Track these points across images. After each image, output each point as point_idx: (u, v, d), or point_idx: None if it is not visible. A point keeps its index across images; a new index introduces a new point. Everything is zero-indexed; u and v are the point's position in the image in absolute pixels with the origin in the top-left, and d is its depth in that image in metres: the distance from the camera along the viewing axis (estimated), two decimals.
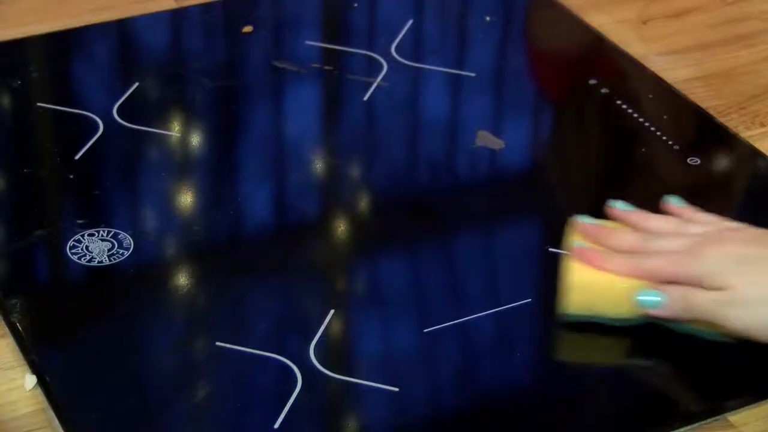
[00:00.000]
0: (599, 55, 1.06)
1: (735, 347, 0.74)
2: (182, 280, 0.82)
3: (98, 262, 0.82)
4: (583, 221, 0.79)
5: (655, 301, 0.74)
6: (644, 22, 1.10)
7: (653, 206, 0.89)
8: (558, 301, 0.77)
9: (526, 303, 0.79)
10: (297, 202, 0.90)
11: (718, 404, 0.73)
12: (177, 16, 1.09)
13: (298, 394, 0.73)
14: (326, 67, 1.02)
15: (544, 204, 0.90)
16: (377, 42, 1.06)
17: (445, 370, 0.75)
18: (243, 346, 0.76)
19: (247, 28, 1.06)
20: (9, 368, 0.75)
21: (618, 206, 0.81)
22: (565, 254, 0.78)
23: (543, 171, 0.94)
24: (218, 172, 0.91)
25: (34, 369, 0.74)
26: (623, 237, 0.78)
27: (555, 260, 0.83)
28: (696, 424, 0.72)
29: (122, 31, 1.07)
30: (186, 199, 0.89)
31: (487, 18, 1.09)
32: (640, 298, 0.75)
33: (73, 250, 0.82)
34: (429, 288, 0.81)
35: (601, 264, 0.76)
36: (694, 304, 0.74)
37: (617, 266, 0.76)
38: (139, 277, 0.81)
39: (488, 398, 0.73)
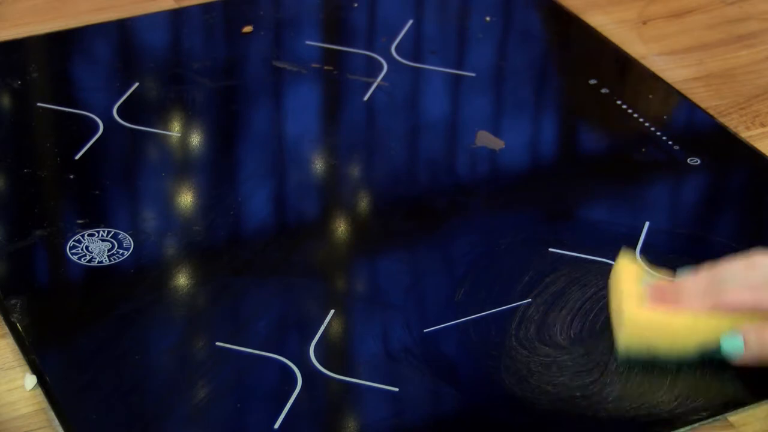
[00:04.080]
0: (599, 55, 1.06)
1: None
2: (182, 280, 0.82)
3: (98, 262, 0.82)
4: (646, 280, 0.77)
5: (736, 345, 0.73)
6: (644, 22, 1.10)
7: (653, 207, 0.89)
8: (614, 342, 0.76)
9: (526, 303, 0.79)
10: (297, 202, 0.90)
11: (718, 404, 0.73)
12: (177, 16, 1.09)
13: (298, 394, 0.73)
14: (326, 67, 1.02)
15: (544, 204, 0.90)
16: (377, 42, 1.06)
17: (444, 371, 0.75)
18: (243, 346, 0.76)
19: (247, 28, 1.06)
20: (9, 368, 0.75)
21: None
22: (613, 294, 0.77)
23: (543, 171, 0.94)
24: (218, 172, 0.91)
25: (34, 369, 0.74)
26: (694, 279, 0.76)
27: (555, 261, 0.83)
28: (696, 425, 0.72)
29: (122, 31, 1.07)
30: (186, 199, 0.89)
31: (487, 18, 1.09)
32: (723, 345, 0.74)
33: (73, 250, 0.82)
34: (429, 288, 0.81)
35: (677, 300, 0.74)
36: None
37: (694, 302, 0.74)
38: (139, 277, 0.81)
39: (488, 398, 0.73)
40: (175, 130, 0.95)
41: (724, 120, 0.98)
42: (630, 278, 0.76)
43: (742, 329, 0.73)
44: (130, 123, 0.95)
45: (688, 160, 0.93)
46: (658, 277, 0.78)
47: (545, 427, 0.72)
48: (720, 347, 0.74)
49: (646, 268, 0.79)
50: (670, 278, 0.77)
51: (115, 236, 0.84)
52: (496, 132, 0.95)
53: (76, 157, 0.91)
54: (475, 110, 0.98)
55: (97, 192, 0.89)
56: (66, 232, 0.84)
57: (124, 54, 1.06)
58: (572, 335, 0.77)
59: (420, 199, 0.90)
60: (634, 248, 0.84)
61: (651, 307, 0.74)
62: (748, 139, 0.96)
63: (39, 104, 0.97)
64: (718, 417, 0.73)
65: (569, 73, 1.04)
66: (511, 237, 0.85)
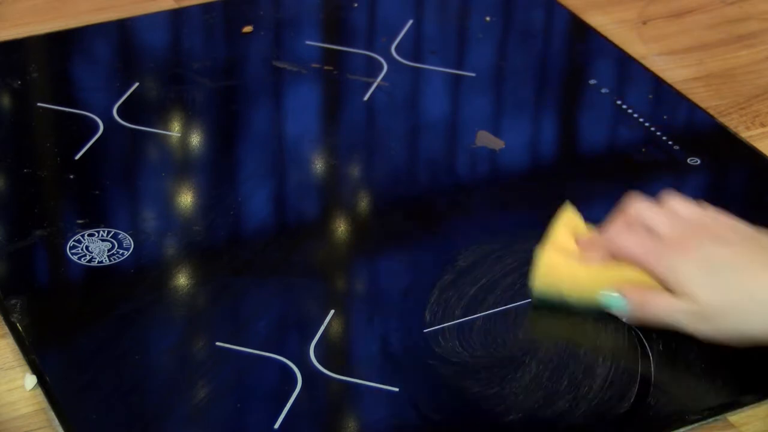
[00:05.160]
0: (599, 55, 1.06)
1: (735, 348, 0.74)
2: (182, 280, 0.82)
3: (98, 262, 0.82)
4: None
5: (618, 304, 0.75)
6: (644, 22, 1.10)
7: None
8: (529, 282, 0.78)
9: (526, 303, 0.79)
10: (297, 202, 0.90)
11: (718, 404, 0.73)
12: (177, 16, 1.09)
13: (298, 394, 0.73)
14: (326, 67, 1.02)
15: (544, 204, 0.90)
16: (377, 42, 1.06)
17: (444, 371, 0.75)
18: (243, 346, 0.76)
19: (247, 28, 1.06)
20: (9, 368, 0.75)
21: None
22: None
23: (543, 171, 0.94)
24: (218, 172, 0.91)
25: (34, 369, 0.74)
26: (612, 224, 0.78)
27: None
28: (696, 424, 0.72)
29: (122, 31, 1.07)
30: (186, 199, 0.89)
31: (487, 18, 1.09)
32: (604, 297, 0.75)
33: (73, 250, 0.82)
34: (429, 288, 0.81)
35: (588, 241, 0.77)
36: (656, 312, 0.74)
37: (595, 247, 0.77)
38: (139, 277, 0.81)
39: (488, 398, 0.73)
40: (175, 130, 0.95)
41: (724, 120, 0.98)
42: (564, 228, 0.79)
43: (624, 289, 0.75)
44: (130, 123, 0.95)
45: (688, 160, 0.93)
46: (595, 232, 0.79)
47: (546, 426, 0.72)
48: (601, 298, 0.76)
49: (586, 223, 0.80)
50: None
51: (115, 236, 0.84)
52: (496, 132, 0.95)
53: (76, 157, 0.91)
54: (475, 110, 0.98)
55: (97, 192, 0.89)
56: (66, 232, 0.84)
57: (124, 54, 1.06)
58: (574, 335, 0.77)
59: (420, 199, 0.90)
60: None
61: (568, 255, 0.77)
62: (748, 139, 0.96)
63: (39, 104, 0.97)
64: (718, 417, 0.73)
65: (569, 73, 1.04)
66: (511, 237, 0.85)
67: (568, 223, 0.80)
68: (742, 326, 0.72)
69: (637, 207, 0.78)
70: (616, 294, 0.76)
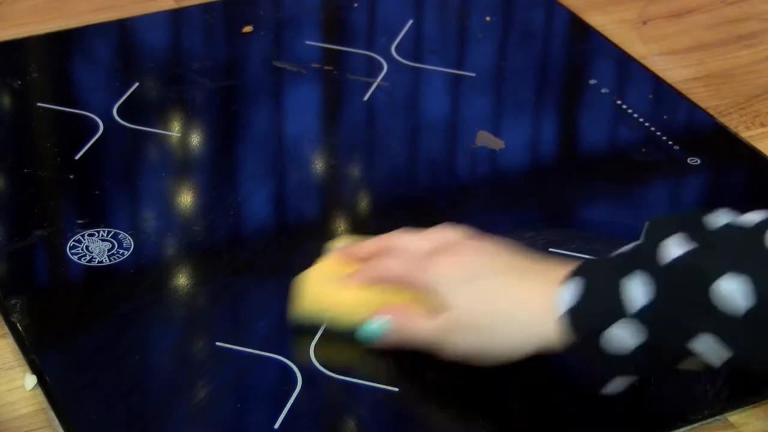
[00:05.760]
0: (599, 55, 1.06)
1: None
2: (182, 280, 0.82)
3: (98, 262, 0.82)
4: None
5: (378, 327, 0.73)
6: (644, 22, 1.10)
7: (653, 207, 0.89)
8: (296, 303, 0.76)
9: None
10: (297, 202, 0.90)
11: (718, 404, 0.73)
12: (177, 16, 1.09)
13: (298, 394, 0.72)
14: (326, 67, 1.02)
15: (544, 204, 0.90)
16: (377, 42, 1.06)
17: (444, 371, 0.75)
18: (243, 346, 0.76)
19: (247, 28, 1.06)
20: (9, 368, 0.75)
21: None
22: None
23: (543, 171, 0.94)
24: (218, 172, 0.91)
25: (34, 369, 0.74)
26: (366, 246, 0.76)
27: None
28: (696, 424, 0.72)
29: (122, 31, 1.07)
30: (186, 199, 0.89)
31: (487, 18, 1.09)
32: (360, 332, 0.73)
33: (73, 250, 0.82)
34: None
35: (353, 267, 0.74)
36: (416, 328, 0.71)
37: (359, 274, 0.74)
38: (139, 277, 0.81)
39: (487, 398, 0.73)
40: (175, 130, 0.95)
41: (724, 120, 0.98)
42: (330, 259, 0.77)
43: (385, 310, 0.72)
44: (130, 123, 0.95)
45: (688, 160, 0.93)
46: (347, 243, 0.77)
47: (546, 426, 0.72)
48: (359, 332, 0.73)
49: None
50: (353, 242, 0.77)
51: (115, 236, 0.84)
52: (496, 132, 0.95)
53: (76, 157, 0.91)
54: (475, 110, 0.98)
55: (97, 192, 0.89)
56: (66, 232, 0.84)
57: (124, 54, 1.06)
58: None
59: (420, 199, 0.90)
60: None
61: (325, 280, 0.75)
62: (748, 139, 0.96)
63: (39, 104, 0.97)
64: (718, 417, 0.73)
65: (569, 73, 1.04)
66: (511, 237, 0.85)
67: (335, 255, 0.77)
68: (500, 339, 0.69)
69: (396, 235, 0.76)
70: (376, 318, 0.73)
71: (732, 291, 0.62)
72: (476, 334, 0.70)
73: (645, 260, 0.66)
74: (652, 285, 0.65)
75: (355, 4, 1.10)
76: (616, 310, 0.65)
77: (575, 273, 0.68)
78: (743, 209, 0.89)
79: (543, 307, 0.68)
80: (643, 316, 0.65)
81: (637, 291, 0.65)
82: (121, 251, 0.83)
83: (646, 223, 0.68)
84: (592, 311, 0.66)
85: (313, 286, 0.76)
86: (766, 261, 0.63)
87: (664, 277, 0.64)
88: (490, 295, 0.70)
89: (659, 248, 0.66)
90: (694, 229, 0.66)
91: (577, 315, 0.66)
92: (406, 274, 0.72)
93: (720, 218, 0.66)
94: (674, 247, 0.65)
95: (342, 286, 0.75)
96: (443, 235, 0.74)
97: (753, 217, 0.66)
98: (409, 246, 0.74)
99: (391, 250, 0.74)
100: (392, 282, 0.73)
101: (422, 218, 0.87)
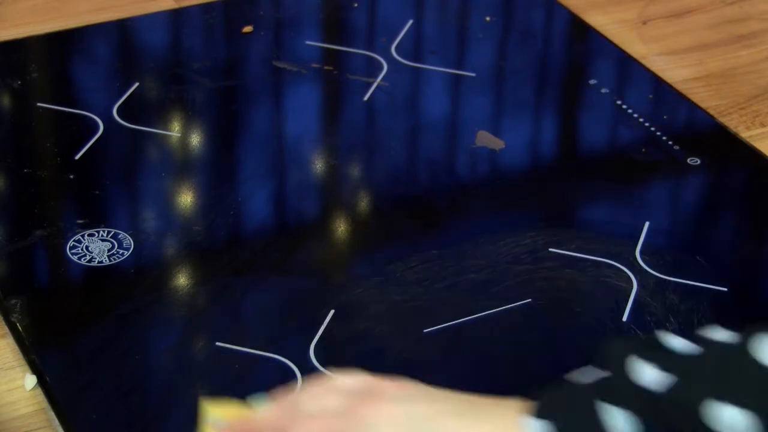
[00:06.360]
0: (599, 55, 1.06)
1: None
2: (182, 280, 0.82)
3: (98, 262, 0.82)
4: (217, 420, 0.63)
5: None
6: (644, 22, 1.10)
7: (653, 207, 0.89)
8: None
9: (526, 303, 0.79)
10: (297, 202, 0.90)
11: None
12: (177, 16, 1.09)
13: None
14: (326, 67, 1.02)
15: (544, 204, 0.90)
16: (377, 42, 1.06)
17: (444, 371, 0.75)
18: (243, 346, 0.76)
19: (247, 28, 1.06)
20: (9, 368, 0.75)
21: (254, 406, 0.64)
22: None
23: (543, 171, 0.94)
24: (218, 172, 0.91)
25: (34, 369, 0.74)
26: (267, 413, 0.63)
27: (555, 260, 0.83)
28: None
29: (122, 31, 1.07)
30: (186, 199, 0.89)
31: (487, 18, 1.09)
32: None
33: (73, 250, 0.82)
34: (429, 288, 0.81)
35: None
36: None
37: None
38: (139, 277, 0.81)
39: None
40: (175, 130, 0.95)
41: (724, 120, 0.98)
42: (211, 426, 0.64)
43: None
44: (130, 123, 0.95)
45: (688, 160, 0.93)
46: (230, 413, 0.64)
47: None
48: None
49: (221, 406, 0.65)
50: (243, 412, 0.64)
51: (115, 236, 0.84)
52: (496, 132, 0.95)
53: (76, 157, 0.91)
54: (475, 110, 0.98)
55: (97, 192, 0.89)
56: (66, 232, 0.84)
57: (124, 54, 1.06)
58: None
59: (420, 199, 0.90)
60: (634, 248, 0.84)
61: None
62: (748, 139, 0.96)
63: (39, 104, 0.97)
64: None
65: (569, 73, 1.05)
66: (511, 237, 0.85)
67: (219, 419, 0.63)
68: None
69: (291, 399, 0.63)
70: None
71: (729, 417, 0.56)
72: None
73: (621, 394, 0.58)
74: (637, 420, 0.57)
75: (355, 4, 1.10)
76: None
77: (540, 413, 0.59)
78: (743, 209, 0.90)
79: None
80: None
81: (622, 427, 0.57)
82: (121, 251, 0.83)
83: (603, 349, 0.60)
84: None
85: None
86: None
87: (651, 410, 0.57)
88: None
89: (630, 378, 0.58)
90: (656, 352, 0.59)
91: None
92: (326, 430, 0.60)
93: (674, 341, 0.59)
94: (647, 376, 0.58)
95: None
96: (348, 383, 0.63)
97: (718, 336, 0.59)
98: (318, 405, 0.62)
99: (297, 415, 0.62)
100: None
101: (422, 218, 0.87)
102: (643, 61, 1.04)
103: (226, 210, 0.87)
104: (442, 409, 0.61)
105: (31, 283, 0.81)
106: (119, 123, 0.95)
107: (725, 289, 0.81)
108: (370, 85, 1.00)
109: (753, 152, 0.94)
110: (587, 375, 0.60)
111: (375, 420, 0.60)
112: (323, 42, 1.06)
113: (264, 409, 0.63)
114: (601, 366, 0.59)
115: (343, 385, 0.63)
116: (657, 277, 0.82)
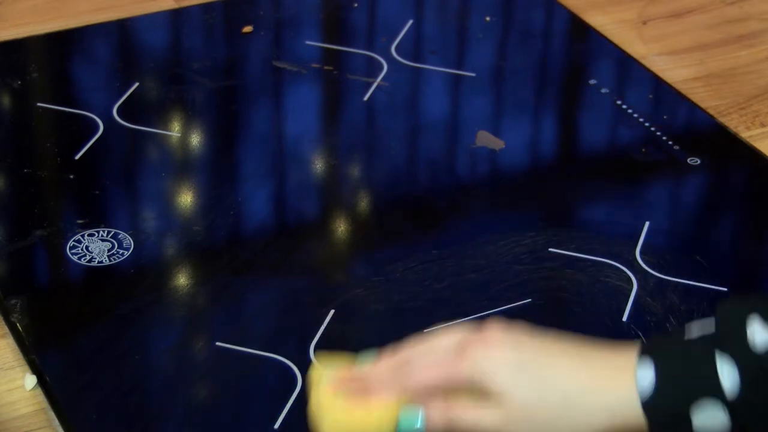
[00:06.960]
0: (599, 55, 1.06)
1: None
2: (182, 280, 0.82)
3: (98, 262, 0.82)
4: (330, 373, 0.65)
5: (413, 425, 0.63)
6: (644, 22, 1.10)
7: (653, 207, 0.89)
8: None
9: (526, 303, 0.79)
10: (297, 202, 0.90)
11: None
12: (177, 16, 1.09)
13: (298, 394, 0.72)
14: (326, 67, 1.02)
15: (544, 204, 0.90)
16: (377, 42, 1.06)
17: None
18: (243, 346, 0.76)
19: (247, 28, 1.06)
20: (9, 368, 0.75)
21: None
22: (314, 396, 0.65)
23: (543, 171, 0.94)
24: (218, 172, 0.91)
25: (34, 369, 0.74)
26: (379, 366, 0.65)
27: (555, 260, 0.83)
28: None
29: (122, 31, 1.07)
30: (186, 199, 0.89)
31: (487, 18, 1.09)
32: (403, 420, 0.64)
33: (73, 250, 0.82)
34: (429, 288, 0.81)
35: (367, 390, 0.64)
36: (462, 421, 0.63)
37: (383, 391, 0.64)
38: (139, 277, 0.81)
39: None
40: (175, 130, 0.95)
41: (724, 120, 0.98)
42: (324, 383, 0.66)
43: (426, 405, 0.63)
44: (130, 123, 0.95)
45: (688, 160, 0.93)
46: (339, 367, 0.66)
47: None
48: (400, 426, 0.64)
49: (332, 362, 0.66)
50: (351, 366, 0.66)
51: (115, 236, 0.84)
52: (496, 132, 0.95)
53: (76, 157, 0.91)
54: (475, 110, 0.98)
55: (97, 192, 0.89)
56: (66, 232, 0.84)
57: (124, 54, 1.06)
58: None
59: (420, 199, 0.90)
60: (634, 248, 0.84)
61: (345, 408, 0.64)
62: (748, 139, 0.96)
63: (39, 104, 0.97)
64: None
65: (569, 73, 1.04)
66: (511, 237, 0.85)
67: (324, 375, 0.66)
68: (553, 427, 0.62)
69: (406, 347, 0.66)
70: (411, 416, 0.64)
71: None
72: (535, 423, 0.62)
73: (731, 344, 0.60)
74: (741, 371, 0.59)
75: (355, 4, 1.10)
76: (703, 394, 0.60)
77: (646, 354, 0.61)
78: (743, 209, 0.90)
79: (619, 393, 0.61)
80: (734, 404, 0.59)
81: (726, 377, 0.60)
82: (121, 251, 0.83)
83: (719, 304, 0.62)
84: (679, 395, 0.60)
85: (330, 413, 0.65)
86: None
87: (755, 365, 0.59)
88: (549, 382, 0.62)
89: (744, 332, 0.60)
90: None
91: (662, 399, 0.61)
92: (445, 373, 0.63)
93: None
94: (760, 333, 0.60)
95: (362, 405, 0.65)
96: (454, 337, 0.65)
97: None
98: (428, 350, 0.65)
99: (410, 360, 0.65)
100: (430, 389, 0.64)
101: (422, 218, 0.87)
102: (643, 61, 1.04)
103: (226, 210, 0.87)
104: (549, 348, 0.63)
105: (31, 283, 0.81)
106: (119, 123, 0.95)
107: (725, 289, 0.81)
108: (370, 85, 1.00)
109: (753, 152, 0.94)
110: (699, 327, 0.62)
111: (477, 356, 0.62)
112: (323, 42, 1.06)
113: (375, 363, 0.66)
114: (720, 320, 0.61)
115: (449, 337, 0.65)
116: (657, 277, 0.82)
